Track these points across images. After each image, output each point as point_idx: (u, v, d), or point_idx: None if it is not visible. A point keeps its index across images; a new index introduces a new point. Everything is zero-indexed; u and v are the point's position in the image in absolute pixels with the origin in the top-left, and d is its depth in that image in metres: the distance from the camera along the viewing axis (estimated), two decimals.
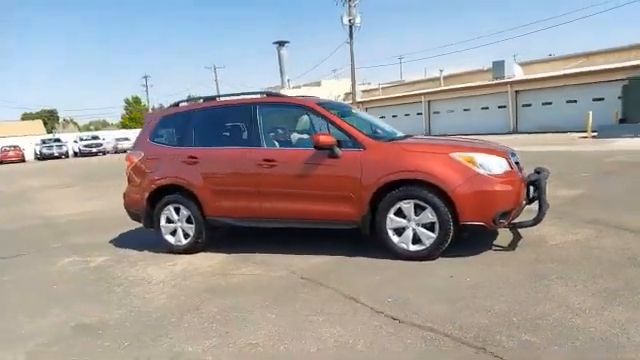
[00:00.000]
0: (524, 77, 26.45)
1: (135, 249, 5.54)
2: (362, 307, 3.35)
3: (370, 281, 3.87)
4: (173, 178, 5.18)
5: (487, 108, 27.15)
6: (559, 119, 22.78)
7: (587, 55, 26.01)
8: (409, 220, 4.25)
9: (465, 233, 4.29)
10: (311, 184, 4.58)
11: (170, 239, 5.24)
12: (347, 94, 37.12)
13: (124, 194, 5.70)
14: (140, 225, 5.70)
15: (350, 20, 29.82)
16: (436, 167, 4.16)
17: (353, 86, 32.51)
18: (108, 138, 43.08)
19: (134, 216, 5.63)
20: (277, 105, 5.31)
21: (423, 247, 4.23)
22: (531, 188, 4.53)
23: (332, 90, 37.51)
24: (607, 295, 3.21)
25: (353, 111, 5.85)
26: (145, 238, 5.76)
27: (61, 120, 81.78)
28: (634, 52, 23.21)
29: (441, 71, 34.03)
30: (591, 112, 18.32)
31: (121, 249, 5.67)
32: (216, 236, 5.35)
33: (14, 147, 38.66)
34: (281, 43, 45.41)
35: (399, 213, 4.28)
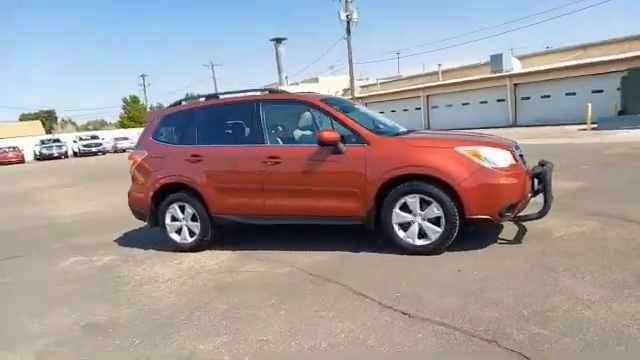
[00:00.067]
0: (523, 70, 26.41)
1: (140, 248, 5.54)
2: (371, 302, 3.36)
3: (377, 276, 3.87)
4: (177, 176, 5.18)
5: (486, 102, 27.11)
6: (558, 112, 22.74)
7: (585, 47, 26.02)
8: (415, 215, 4.25)
9: (471, 227, 4.30)
10: (315, 180, 4.58)
11: (175, 237, 5.24)
12: (345, 90, 37.07)
13: (128, 193, 5.70)
14: (144, 224, 5.71)
15: (347, 15, 29.75)
16: (441, 161, 4.16)
17: (351, 82, 32.46)
18: (107, 138, 43.01)
19: (138, 215, 5.63)
20: (280, 102, 5.32)
21: (429, 242, 4.23)
22: (536, 181, 4.54)
23: (330, 86, 37.47)
24: (615, 286, 3.22)
25: (355, 106, 5.85)
26: (149, 237, 5.76)
27: (59, 120, 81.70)
28: (632, 43, 23.20)
29: (439, 65, 34.06)
30: (590, 104, 18.32)
31: (126, 248, 5.67)
32: (220, 234, 5.35)
33: (13, 148, 38.50)
34: (278, 40, 45.35)
35: (404, 208, 4.28)
